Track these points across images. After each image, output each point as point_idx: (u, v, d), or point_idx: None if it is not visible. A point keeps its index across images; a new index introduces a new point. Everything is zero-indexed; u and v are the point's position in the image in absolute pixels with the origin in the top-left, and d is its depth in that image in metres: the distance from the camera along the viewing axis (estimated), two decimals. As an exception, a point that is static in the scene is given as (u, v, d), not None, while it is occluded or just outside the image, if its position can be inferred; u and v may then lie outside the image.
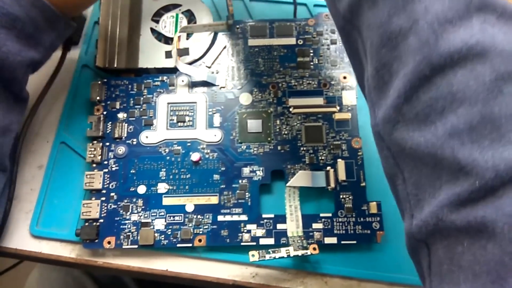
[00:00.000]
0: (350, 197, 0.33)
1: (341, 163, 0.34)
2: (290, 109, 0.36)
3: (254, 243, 0.32)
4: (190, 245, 0.32)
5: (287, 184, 0.33)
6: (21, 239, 0.34)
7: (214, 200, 0.33)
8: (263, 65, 0.37)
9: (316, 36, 0.38)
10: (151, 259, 0.33)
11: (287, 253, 0.31)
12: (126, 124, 0.35)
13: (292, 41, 0.38)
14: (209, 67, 0.37)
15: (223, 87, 0.36)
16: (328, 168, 0.34)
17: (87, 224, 0.33)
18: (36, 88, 0.37)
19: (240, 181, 0.34)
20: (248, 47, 0.38)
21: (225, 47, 0.38)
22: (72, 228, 0.34)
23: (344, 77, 0.36)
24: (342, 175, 0.34)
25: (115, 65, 0.37)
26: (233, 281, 0.32)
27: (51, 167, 0.36)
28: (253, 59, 0.37)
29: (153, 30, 0.39)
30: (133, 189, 0.34)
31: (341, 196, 0.33)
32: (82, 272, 0.47)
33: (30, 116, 0.36)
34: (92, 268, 0.34)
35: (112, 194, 0.34)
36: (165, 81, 0.37)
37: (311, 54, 0.37)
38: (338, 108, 0.36)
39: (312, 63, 0.37)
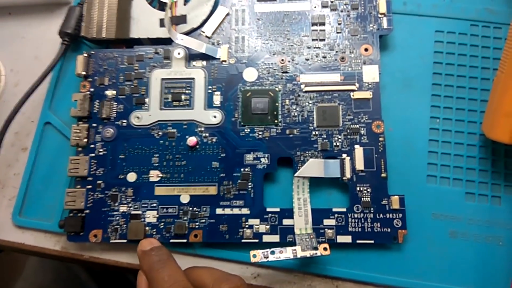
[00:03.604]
0: (368, 190, 0.29)
1: (359, 150, 0.30)
2: (302, 87, 0.31)
3: (257, 240, 0.29)
4: (185, 240, 0.29)
5: (296, 174, 0.29)
6: (3, 228, 0.32)
7: (212, 190, 0.30)
8: (271, 35, 0.32)
9: (334, 0, 0.33)
10: (142, 254, 0.30)
11: (293, 253, 0.27)
12: (115, 103, 0.32)
13: (305, 6, 0.33)
14: (209, 38, 0.33)
15: (225, 61, 0.32)
16: (344, 155, 0.30)
17: (71, 215, 0.30)
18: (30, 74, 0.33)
19: (242, 169, 0.30)
20: (254, 13, 0.33)
21: (227, 14, 0.33)
22: (57, 218, 0.31)
23: (366, 49, 0.31)
24: (359, 164, 0.30)
25: (104, 35, 0.33)
26: (233, 281, 0.29)
27: (36, 150, 0.33)
28: (259, 28, 0.33)
29: (146, -5, 0.34)
30: (122, 177, 0.30)
31: (358, 189, 0.29)
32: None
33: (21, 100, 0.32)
34: (78, 262, 0.31)
35: (99, 182, 0.30)
36: (159, 53, 0.32)
37: (328, 22, 0.32)
38: (357, 85, 0.31)
39: (328, 33, 0.32)
